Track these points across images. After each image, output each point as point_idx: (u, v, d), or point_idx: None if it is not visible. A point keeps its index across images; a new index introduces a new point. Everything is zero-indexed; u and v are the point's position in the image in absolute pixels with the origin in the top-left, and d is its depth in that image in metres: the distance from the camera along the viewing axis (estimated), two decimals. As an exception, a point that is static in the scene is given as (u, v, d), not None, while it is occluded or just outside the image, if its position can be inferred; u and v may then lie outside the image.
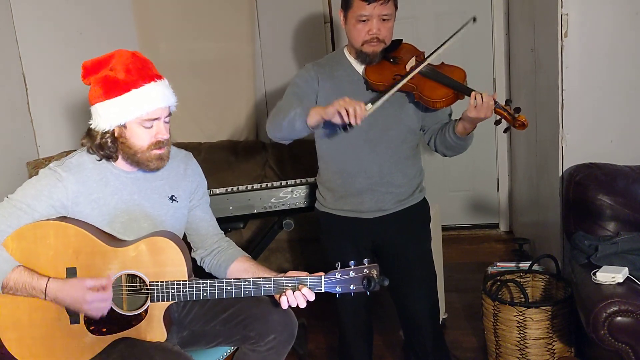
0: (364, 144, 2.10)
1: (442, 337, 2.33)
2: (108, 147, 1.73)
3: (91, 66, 1.74)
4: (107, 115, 1.70)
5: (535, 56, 3.16)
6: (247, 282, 1.72)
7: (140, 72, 1.71)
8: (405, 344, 2.37)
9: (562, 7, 2.61)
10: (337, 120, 1.84)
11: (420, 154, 2.26)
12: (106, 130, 1.72)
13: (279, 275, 1.74)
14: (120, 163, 1.79)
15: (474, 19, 2.07)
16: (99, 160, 1.77)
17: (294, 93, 2.11)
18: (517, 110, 1.92)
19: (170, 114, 1.79)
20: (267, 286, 1.72)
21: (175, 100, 1.79)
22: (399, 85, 1.98)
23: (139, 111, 1.69)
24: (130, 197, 1.80)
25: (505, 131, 2.01)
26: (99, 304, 1.66)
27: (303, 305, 1.70)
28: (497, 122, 2.00)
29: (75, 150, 1.83)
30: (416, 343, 2.28)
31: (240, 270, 1.89)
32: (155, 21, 3.95)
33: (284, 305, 1.70)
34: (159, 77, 1.75)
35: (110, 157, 1.76)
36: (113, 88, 1.68)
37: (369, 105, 1.90)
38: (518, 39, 3.68)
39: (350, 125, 1.81)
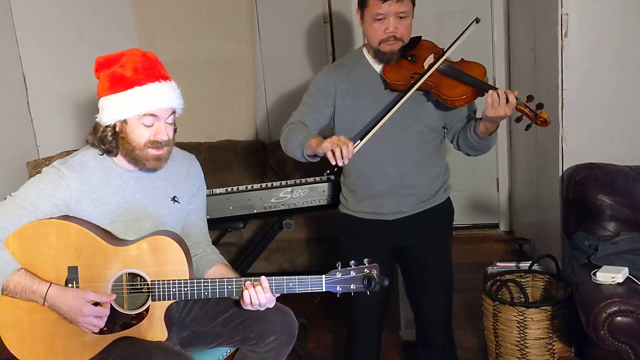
0: (382, 145, 2.05)
1: (452, 339, 2.34)
2: (108, 141, 1.74)
3: (104, 61, 1.76)
4: (109, 109, 1.72)
5: (535, 56, 3.16)
6: (248, 282, 1.72)
7: (147, 72, 1.72)
8: (416, 340, 2.36)
9: (562, 7, 2.61)
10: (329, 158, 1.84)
11: (444, 152, 2.22)
12: (108, 124, 1.73)
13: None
14: (121, 160, 1.80)
15: (477, 21, 2.04)
16: (101, 155, 1.77)
17: (307, 103, 2.12)
18: (540, 106, 1.87)
19: (174, 114, 1.79)
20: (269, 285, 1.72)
21: (181, 103, 1.80)
22: (419, 83, 1.95)
23: (139, 108, 1.70)
24: (133, 196, 1.80)
25: (526, 128, 1.96)
26: (94, 320, 1.67)
27: (264, 301, 1.71)
28: (518, 120, 1.94)
29: (77, 150, 1.83)
30: (428, 342, 2.28)
31: (214, 275, 1.88)
32: (155, 21, 3.95)
33: (247, 300, 1.71)
34: (166, 79, 1.76)
35: (110, 152, 1.77)
36: (117, 83, 1.70)
37: (358, 142, 1.90)
38: (518, 39, 3.68)
39: (337, 166, 1.81)
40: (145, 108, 1.71)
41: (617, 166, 2.55)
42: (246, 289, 1.71)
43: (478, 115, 2.07)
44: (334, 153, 1.79)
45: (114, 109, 1.71)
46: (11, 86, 3.50)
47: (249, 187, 2.68)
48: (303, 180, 2.66)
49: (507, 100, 1.85)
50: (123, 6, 3.87)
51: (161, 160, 1.78)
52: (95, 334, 1.72)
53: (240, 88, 4.06)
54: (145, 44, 3.94)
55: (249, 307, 1.73)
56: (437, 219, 2.18)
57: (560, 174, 2.75)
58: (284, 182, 2.67)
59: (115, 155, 1.79)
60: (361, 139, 1.91)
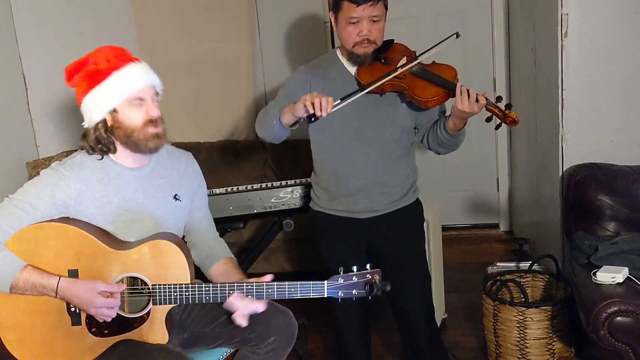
0: (357, 144, 2.10)
1: (438, 337, 2.34)
2: (103, 137, 1.73)
3: (74, 67, 1.75)
4: (95, 105, 1.71)
5: (535, 56, 3.16)
6: (249, 287, 1.72)
7: (119, 58, 1.73)
8: (402, 344, 2.38)
9: (562, 7, 2.61)
10: (303, 113, 1.90)
11: (414, 154, 2.26)
12: (98, 121, 1.72)
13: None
14: (121, 156, 1.79)
15: (457, 35, 2.06)
16: (100, 159, 1.77)
17: (285, 94, 2.14)
18: (509, 107, 1.93)
19: (157, 94, 1.79)
20: (270, 291, 1.72)
21: (159, 81, 1.79)
22: (387, 79, 2.00)
23: (126, 91, 1.70)
24: (134, 195, 1.79)
25: (496, 128, 2.01)
26: (106, 311, 1.67)
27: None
28: (489, 119, 2.00)
29: (76, 151, 1.83)
30: (412, 343, 2.29)
31: (217, 273, 1.90)
32: (155, 21, 3.95)
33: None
34: (137, 60, 1.77)
35: (108, 150, 1.76)
36: (96, 77, 1.70)
37: (338, 100, 1.95)
38: (518, 39, 3.68)
39: (314, 116, 1.87)
40: (131, 90, 1.70)
41: (617, 166, 2.55)
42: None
43: (448, 113, 2.11)
44: (313, 104, 1.85)
45: (100, 102, 1.71)
46: (11, 86, 3.49)
47: (249, 187, 2.68)
48: (303, 181, 2.66)
49: (477, 100, 1.91)
50: (123, 6, 3.87)
51: (160, 137, 1.75)
52: (96, 336, 1.73)
53: (240, 88, 4.05)
54: (145, 44, 3.93)
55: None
56: (408, 219, 2.21)
57: (560, 174, 2.75)
58: (284, 182, 2.67)
59: (114, 152, 1.78)
60: (342, 100, 1.97)
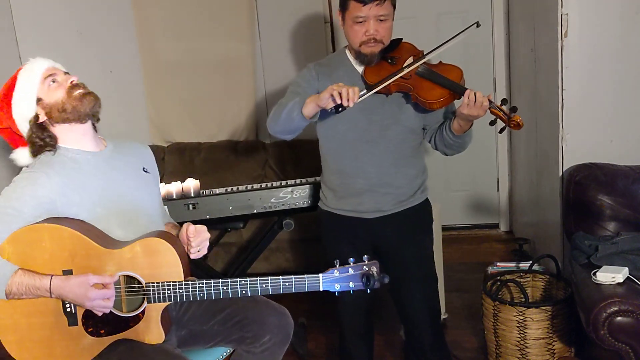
0: (362, 144, 2.10)
1: (442, 338, 2.33)
2: (38, 133, 1.76)
3: None
4: (22, 108, 1.75)
5: (535, 56, 3.16)
6: (243, 282, 1.72)
7: (19, 68, 1.80)
8: (405, 343, 2.38)
9: (562, 7, 2.61)
10: (330, 104, 1.88)
11: (423, 154, 2.25)
12: (31, 121, 1.76)
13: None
14: (73, 142, 1.80)
15: (477, 24, 2.05)
16: (53, 155, 1.78)
17: (294, 92, 2.13)
18: (513, 110, 1.91)
19: (67, 72, 1.82)
20: (264, 286, 1.72)
21: (60, 65, 1.84)
22: (394, 78, 1.99)
23: (36, 77, 1.75)
24: (109, 174, 1.81)
25: (500, 131, 2.00)
26: (101, 302, 1.67)
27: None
28: (492, 123, 1.99)
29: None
30: (414, 343, 2.29)
31: None
32: (155, 21, 3.95)
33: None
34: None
35: (48, 143, 1.77)
36: (9, 91, 1.77)
37: (364, 90, 1.94)
38: (518, 39, 3.68)
39: (342, 106, 1.85)
40: (38, 73, 1.75)
41: (617, 166, 2.55)
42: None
43: None
44: (340, 95, 1.82)
45: (22, 103, 1.75)
46: (11, 86, 3.50)
47: (249, 187, 2.69)
48: (303, 180, 2.66)
49: (482, 103, 1.90)
50: (123, 6, 3.87)
51: (91, 94, 1.78)
52: (93, 336, 1.73)
53: (240, 88, 4.05)
54: (145, 44, 3.93)
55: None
56: (416, 219, 2.21)
57: (560, 174, 2.75)
58: (284, 182, 2.68)
59: (56, 141, 1.79)
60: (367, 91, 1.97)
